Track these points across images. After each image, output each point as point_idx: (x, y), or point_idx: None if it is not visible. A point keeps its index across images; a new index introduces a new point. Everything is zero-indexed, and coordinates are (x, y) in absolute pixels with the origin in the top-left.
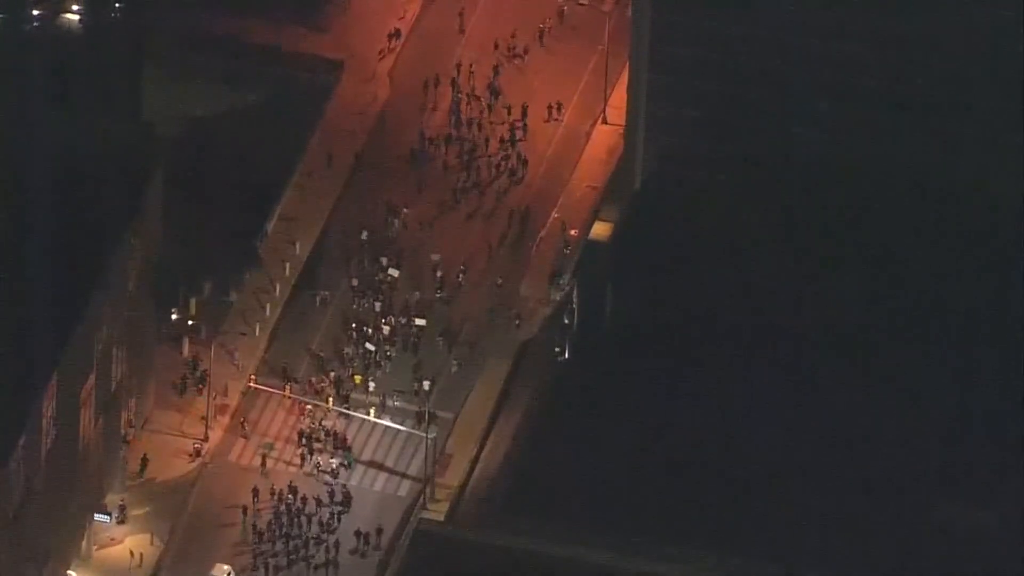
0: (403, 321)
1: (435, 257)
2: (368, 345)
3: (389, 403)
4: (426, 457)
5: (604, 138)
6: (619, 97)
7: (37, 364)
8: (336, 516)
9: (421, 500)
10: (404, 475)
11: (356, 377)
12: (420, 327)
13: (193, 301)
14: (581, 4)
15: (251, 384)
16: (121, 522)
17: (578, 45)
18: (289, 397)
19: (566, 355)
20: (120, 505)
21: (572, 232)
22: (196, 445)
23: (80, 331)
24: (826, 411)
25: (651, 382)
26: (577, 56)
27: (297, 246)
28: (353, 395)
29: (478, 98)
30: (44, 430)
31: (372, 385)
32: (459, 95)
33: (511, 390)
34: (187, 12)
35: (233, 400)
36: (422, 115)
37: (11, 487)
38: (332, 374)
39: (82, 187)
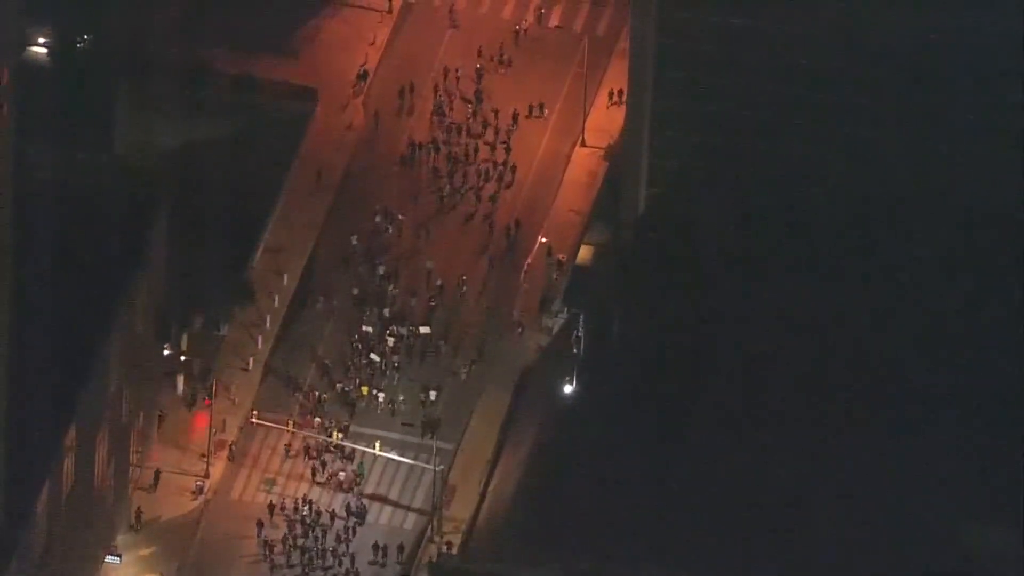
0: (403, 332)
1: (428, 264)
2: (372, 356)
3: (389, 435)
4: (434, 489)
5: (584, 161)
6: (595, 119)
7: (57, 411)
8: (352, 530)
9: (429, 532)
10: (409, 508)
11: (363, 388)
12: (425, 335)
13: (184, 336)
14: (559, 27)
15: (253, 420)
16: (137, 531)
17: (547, 65)
18: (292, 432)
19: (574, 384)
20: (137, 510)
21: (560, 257)
22: (198, 483)
23: (96, 376)
24: (840, 436)
25: (660, 410)
26: (550, 76)
27: (285, 277)
28: (354, 426)
29: (468, 102)
30: (64, 474)
31: (381, 396)
32: (441, 97)
33: (514, 420)
34: (155, 42)
35: (232, 435)
36: (405, 124)
37: (36, 533)
38: (339, 385)
39: (88, 226)
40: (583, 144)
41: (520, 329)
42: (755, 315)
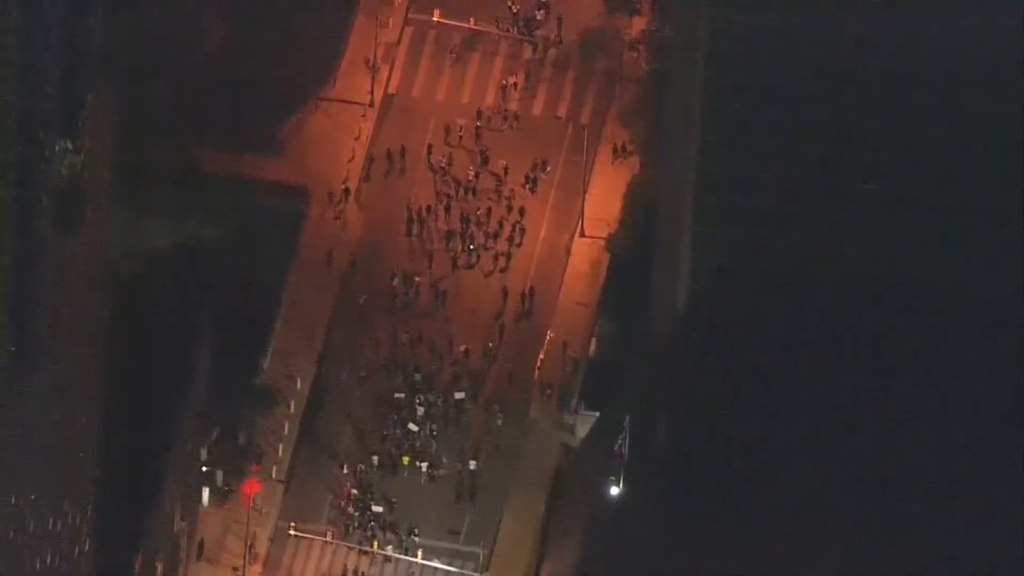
0: (431, 399)
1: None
2: (411, 425)
3: (426, 542)
4: None
5: (584, 251)
6: (592, 208)
7: (129, 540)
8: None
9: None
10: None
11: (404, 458)
12: (459, 400)
13: (204, 448)
14: (557, 117)
15: (291, 532)
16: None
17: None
18: (328, 542)
19: (620, 486)
20: None
21: (573, 354)
22: None
23: (159, 500)
24: (896, 529)
25: (711, 515)
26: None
27: (298, 381)
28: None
29: (475, 155)
30: None
31: (425, 466)
32: (437, 162)
33: (554, 523)
34: (140, 144)
35: (261, 548)
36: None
37: None
38: (374, 457)
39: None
40: (582, 235)
41: (548, 392)
42: (806, 410)
